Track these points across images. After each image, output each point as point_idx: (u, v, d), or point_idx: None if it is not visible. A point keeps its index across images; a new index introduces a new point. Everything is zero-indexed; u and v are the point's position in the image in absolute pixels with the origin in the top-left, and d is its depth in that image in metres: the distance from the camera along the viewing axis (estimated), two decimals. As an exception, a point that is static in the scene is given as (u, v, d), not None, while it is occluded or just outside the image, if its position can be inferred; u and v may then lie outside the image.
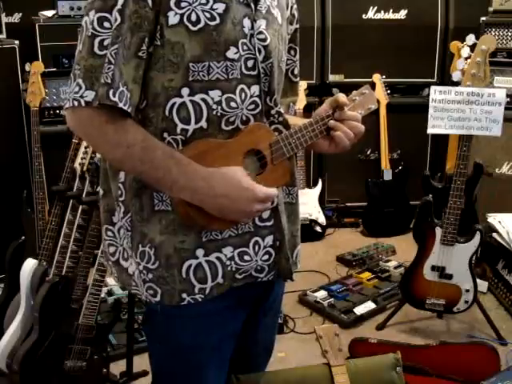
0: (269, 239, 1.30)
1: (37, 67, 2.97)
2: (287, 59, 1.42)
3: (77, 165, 2.41)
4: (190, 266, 1.24)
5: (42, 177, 2.98)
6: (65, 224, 2.43)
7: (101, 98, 1.13)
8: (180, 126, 1.20)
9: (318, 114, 1.34)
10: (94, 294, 2.22)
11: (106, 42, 1.14)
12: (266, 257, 1.31)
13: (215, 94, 1.19)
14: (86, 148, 2.40)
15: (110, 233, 1.32)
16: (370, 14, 4.01)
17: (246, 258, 1.28)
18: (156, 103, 1.20)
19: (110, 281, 3.23)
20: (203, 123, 1.20)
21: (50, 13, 3.49)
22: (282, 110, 1.30)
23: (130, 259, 1.29)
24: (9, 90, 3.22)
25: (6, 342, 2.32)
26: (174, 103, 1.19)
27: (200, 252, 1.24)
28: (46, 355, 2.20)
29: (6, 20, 3.50)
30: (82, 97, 1.14)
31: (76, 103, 1.14)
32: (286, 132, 1.28)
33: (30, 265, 2.38)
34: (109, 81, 1.12)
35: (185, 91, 1.18)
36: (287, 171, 1.30)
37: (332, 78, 4.10)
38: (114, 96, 1.13)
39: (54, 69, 3.36)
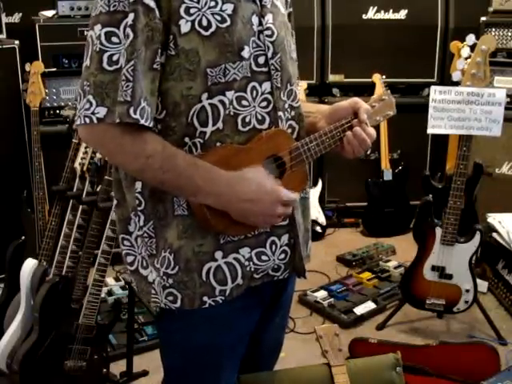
0: (285, 238, 1.31)
1: (37, 67, 2.98)
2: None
3: (77, 165, 2.42)
4: (209, 268, 1.25)
5: (42, 177, 2.98)
6: (65, 224, 2.43)
7: (121, 116, 1.12)
8: (199, 129, 1.20)
9: (339, 114, 1.34)
10: (94, 294, 2.22)
11: (115, 58, 1.12)
12: (283, 256, 1.32)
13: (230, 94, 1.19)
14: (86, 148, 2.40)
15: (126, 242, 1.32)
16: (370, 13, 4.00)
17: (264, 257, 1.29)
18: (177, 112, 1.19)
19: (110, 281, 3.23)
20: (219, 124, 1.20)
21: (50, 13, 3.48)
22: (295, 104, 1.30)
23: (150, 267, 1.29)
24: (9, 90, 3.22)
25: (6, 342, 2.32)
26: (196, 109, 1.19)
27: (219, 254, 1.25)
28: (45, 355, 2.20)
29: (6, 20, 3.49)
30: (93, 113, 1.13)
31: (88, 120, 1.13)
32: (306, 138, 1.28)
33: (29, 265, 2.38)
34: (128, 98, 1.12)
35: (204, 96, 1.18)
36: (304, 177, 1.31)
37: (332, 77, 4.09)
38: (135, 113, 1.12)
39: (54, 69, 3.35)
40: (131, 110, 1.12)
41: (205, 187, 1.16)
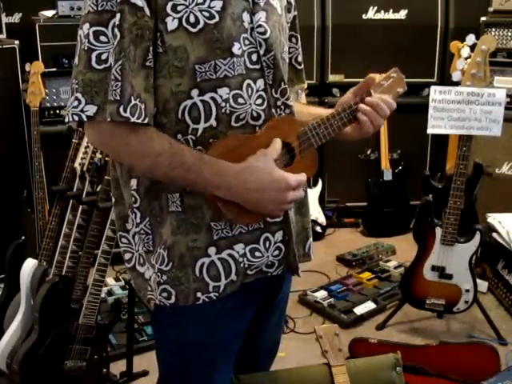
0: (279, 235, 1.31)
1: (37, 67, 2.97)
2: (289, 47, 1.42)
3: (77, 165, 2.42)
4: (203, 264, 1.25)
5: (42, 177, 2.98)
6: (65, 224, 2.43)
7: (111, 115, 1.13)
8: (192, 126, 1.20)
9: (344, 102, 1.34)
10: (93, 294, 2.22)
11: (103, 56, 1.14)
12: (277, 252, 1.32)
13: (223, 91, 1.19)
14: (86, 148, 2.40)
15: (124, 239, 1.33)
16: (370, 13, 4.00)
17: (257, 254, 1.29)
18: (167, 109, 1.20)
19: (110, 281, 3.23)
20: (212, 121, 1.20)
21: (50, 13, 3.48)
22: (289, 102, 1.29)
23: (147, 264, 1.29)
24: (9, 90, 3.22)
25: (6, 342, 2.32)
26: (186, 105, 1.19)
27: (212, 250, 1.25)
28: (45, 355, 2.20)
29: (6, 20, 3.49)
30: (82, 111, 1.14)
31: (76, 118, 1.15)
32: (313, 122, 1.28)
33: (29, 265, 2.38)
34: (117, 97, 1.12)
35: (194, 92, 1.18)
36: (315, 161, 1.30)
37: (332, 77, 4.09)
38: (125, 112, 1.13)
39: (54, 69, 3.35)
40: (121, 109, 1.12)
41: (214, 181, 1.17)
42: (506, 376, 2.16)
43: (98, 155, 2.35)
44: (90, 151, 2.38)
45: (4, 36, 3.31)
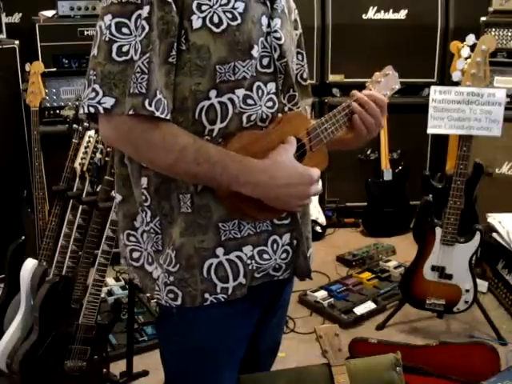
0: (286, 237, 1.31)
1: (37, 67, 2.98)
2: (296, 64, 1.43)
3: (77, 165, 2.42)
4: (211, 264, 1.24)
5: (42, 177, 2.98)
6: (65, 224, 2.43)
7: (136, 107, 1.10)
8: (208, 127, 1.20)
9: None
10: (94, 294, 2.22)
11: (124, 48, 1.12)
12: (284, 255, 1.32)
13: (240, 92, 1.20)
14: (85, 148, 2.40)
15: (132, 238, 1.31)
16: (370, 13, 4.00)
17: (265, 256, 1.28)
18: (184, 107, 1.18)
19: (110, 281, 3.24)
20: (228, 122, 1.20)
21: (50, 13, 3.48)
22: (296, 108, 1.30)
23: (155, 263, 1.28)
24: (9, 90, 3.22)
25: (6, 342, 2.32)
26: (203, 106, 1.18)
27: (220, 251, 1.24)
28: (46, 355, 2.20)
29: (6, 20, 3.49)
30: (99, 103, 1.11)
31: (92, 110, 1.12)
32: (321, 118, 1.30)
33: (29, 265, 2.38)
34: (143, 90, 1.11)
35: (212, 93, 1.18)
36: (325, 157, 1.31)
37: (332, 77, 4.09)
38: (150, 105, 1.11)
39: (54, 69, 3.35)
40: (146, 102, 1.11)
41: (240, 176, 1.16)
42: (506, 376, 2.16)
43: (98, 155, 2.35)
44: (89, 151, 2.39)
45: (4, 36, 3.31)
